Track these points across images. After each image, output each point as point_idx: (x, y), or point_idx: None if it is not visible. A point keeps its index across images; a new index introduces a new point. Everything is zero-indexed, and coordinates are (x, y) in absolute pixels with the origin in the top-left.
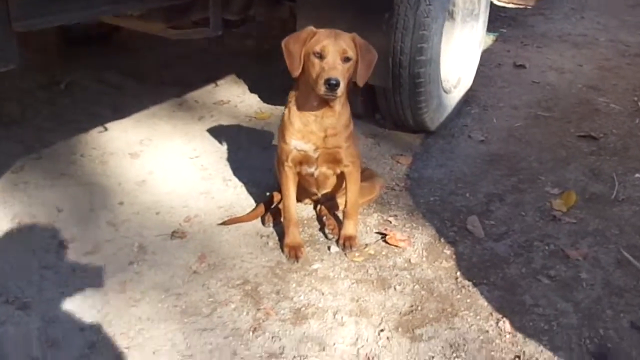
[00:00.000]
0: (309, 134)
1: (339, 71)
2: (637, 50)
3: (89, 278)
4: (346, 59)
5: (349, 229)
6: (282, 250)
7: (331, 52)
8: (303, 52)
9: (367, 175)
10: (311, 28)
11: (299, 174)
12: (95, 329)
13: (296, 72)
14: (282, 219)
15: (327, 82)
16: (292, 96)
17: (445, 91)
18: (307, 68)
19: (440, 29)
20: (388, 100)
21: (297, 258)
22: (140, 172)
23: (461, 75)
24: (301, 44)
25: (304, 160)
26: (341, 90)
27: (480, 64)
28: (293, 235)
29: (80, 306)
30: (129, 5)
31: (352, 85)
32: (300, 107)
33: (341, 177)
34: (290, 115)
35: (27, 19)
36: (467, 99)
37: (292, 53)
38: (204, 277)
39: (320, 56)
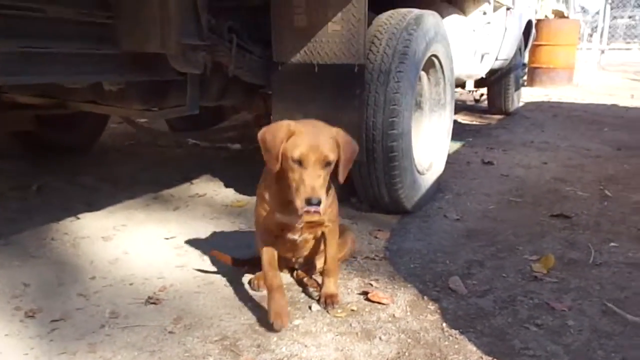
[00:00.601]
0: (290, 206)
1: (319, 185)
2: (597, 153)
3: (55, 342)
4: (327, 164)
5: (329, 287)
6: (268, 319)
7: (311, 161)
8: (281, 150)
9: (340, 230)
10: (288, 124)
11: (278, 237)
12: None
13: (276, 169)
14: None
15: (308, 202)
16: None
17: (419, 172)
18: (284, 167)
19: (410, 104)
20: (363, 177)
21: (283, 324)
22: (113, 252)
23: (432, 161)
24: (279, 143)
25: (285, 228)
26: (323, 207)
27: (450, 162)
28: (277, 303)
29: None
30: (107, 75)
31: None
32: (279, 182)
33: (318, 239)
34: (270, 188)
35: (6, 75)
36: (440, 187)
37: (269, 150)
38: (179, 336)
39: (300, 163)
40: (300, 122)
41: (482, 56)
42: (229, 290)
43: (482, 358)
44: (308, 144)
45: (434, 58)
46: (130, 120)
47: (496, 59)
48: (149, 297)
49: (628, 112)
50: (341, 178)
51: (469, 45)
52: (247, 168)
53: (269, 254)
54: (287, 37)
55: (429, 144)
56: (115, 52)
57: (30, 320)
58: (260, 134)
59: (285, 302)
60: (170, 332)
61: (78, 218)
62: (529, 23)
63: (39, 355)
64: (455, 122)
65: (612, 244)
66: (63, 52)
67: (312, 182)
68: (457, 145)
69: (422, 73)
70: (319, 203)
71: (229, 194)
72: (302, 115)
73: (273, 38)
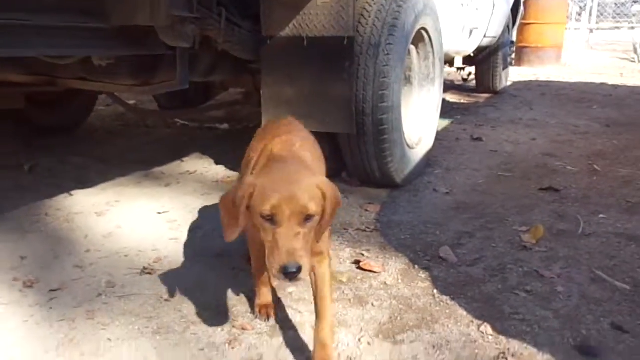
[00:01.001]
0: None
1: (299, 246)
2: (586, 130)
3: (55, 309)
4: (308, 218)
5: (323, 343)
6: (253, 311)
7: (286, 215)
8: (243, 209)
9: None
10: (251, 179)
11: None
12: (61, 350)
13: (231, 237)
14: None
15: (284, 270)
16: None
17: (408, 146)
18: (256, 226)
19: (399, 77)
20: (353, 152)
21: (268, 316)
22: (107, 227)
23: (422, 135)
24: (240, 200)
25: None
26: (305, 273)
27: (439, 139)
28: (264, 296)
29: (45, 333)
30: (96, 49)
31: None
32: None
33: None
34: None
35: None
36: (430, 163)
37: (229, 213)
38: (175, 303)
39: (271, 220)
40: (271, 170)
41: (471, 31)
42: (223, 262)
43: (472, 322)
44: (281, 194)
45: (423, 31)
46: (119, 99)
47: (484, 36)
48: (144, 268)
49: (617, 90)
50: (318, 237)
51: (458, 20)
52: (236, 146)
53: (260, 250)
54: (276, 11)
55: (419, 118)
56: (104, 26)
57: (29, 290)
58: (220, 200)
59: (271, 296)
60: (166, 300)
61: (71, 195)
62: (517, 0)
63: (40, 321)
64: (443, 100)
65: (601, 215)
66: (50, 25)
67: (289, 243)
68: (446, 122)
69: (412, 47)
70: (298, 270)
71: (219, 171)
72: (292, 90)
73: (262, 11)
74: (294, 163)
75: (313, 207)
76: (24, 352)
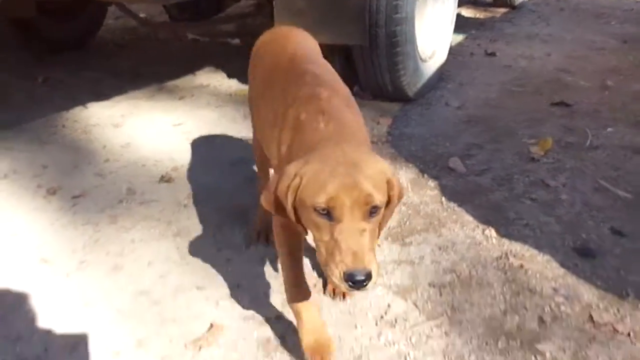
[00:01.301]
0: None
1: (366, 246)
2: (602, 46)
3: (78, 214)
4: (373, 210)
5: None
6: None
7: (347, 207)
8: (291, 202)
9: None
10: (296, 169)
11: None
12: (87, 250)
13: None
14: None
15: (350, 278)
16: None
17: (421, 59)
18: (305, 225)
19: None
20: (366, 64)
21: None
22: (124, 137)
23: (435, 49)
24: (285, 191)
25: None
26: (375, 281)
27: (453, 54)
28: (310, 334)
29: (71, 235)
30: None
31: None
32: None
33: None
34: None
35: None
36: (442, 77)
37: (278, 211)
38: (194, 208)
39: (329, 215)
40: (318, 152)
41: None
42: (238, 169)
43: (478, 226)
44: (338, 181)
45: None
46: (129, 11)
47: None
48: (162, 176)
49: (638, 4)
50: (377, 235)
51: None
52: (249, 60)
53: (292, 271)
54: None
55: (432, 31)
56: None
57: (53, 197)
58: (261, 200)
59: (322, 328)
60: (184, 206)
61: (86, 107)
62: None
63: (65, 225)
64: (458, 15)
65: (610, 129)
66: None
67: (353, 242)
68: (460, 37)
69: None
70: (367, 277)
71: (232, 84)
72: (305, 1)
73: None
74: (352, 149)
75: (379, 197)
76: (52, 250)
